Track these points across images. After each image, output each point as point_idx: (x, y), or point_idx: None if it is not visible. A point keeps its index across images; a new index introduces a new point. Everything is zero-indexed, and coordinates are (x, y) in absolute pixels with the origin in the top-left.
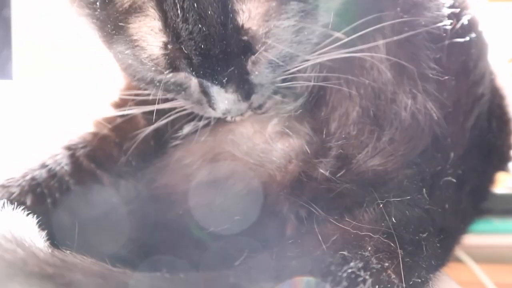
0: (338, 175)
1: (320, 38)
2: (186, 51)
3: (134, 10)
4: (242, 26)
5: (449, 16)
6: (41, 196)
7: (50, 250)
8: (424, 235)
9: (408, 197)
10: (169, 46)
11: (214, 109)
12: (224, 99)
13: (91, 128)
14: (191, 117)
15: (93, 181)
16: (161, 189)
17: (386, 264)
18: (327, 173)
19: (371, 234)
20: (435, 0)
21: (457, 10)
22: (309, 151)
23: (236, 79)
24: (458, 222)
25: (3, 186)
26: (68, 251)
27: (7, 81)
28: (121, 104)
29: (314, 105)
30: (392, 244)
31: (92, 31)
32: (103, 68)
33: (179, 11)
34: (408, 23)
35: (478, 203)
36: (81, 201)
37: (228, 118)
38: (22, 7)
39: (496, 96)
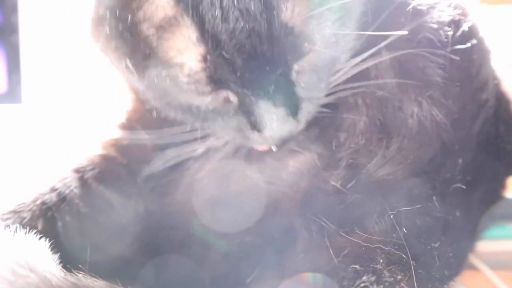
0: (348, 186)
1: (355, 42)
2: (227, 56)
3: (166, 24)
4: (286, 23)
5: (450, 24)
6: (52, 220)
7: (63, 274)
8: (436, 244)
9: (419, 206)
10: (209, 57)
11: (259, 130)
12: (271, 115)
13: (99, 150)
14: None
15: (103, 203)
16: (172, 205)
17: (399, 277)
18: (338, 185)
19: (382, 246)
20: (436, 8)
21: (457, 18)
22: (319, 165)
23: (284, 89)
24: (471, 229)
25: (15, 212)
26: (80, 274)
27: (16, 105)
28: (128, 125)
29: (323, 118)
30: (404, 256)
31: (120, 64)
32: (111, 91)
33: (217, 11)
34: (411, 31)
35: (490, 209)
36: (91, 223)
37: (272, 144)
38: (31, 32)
39: (502, 101)
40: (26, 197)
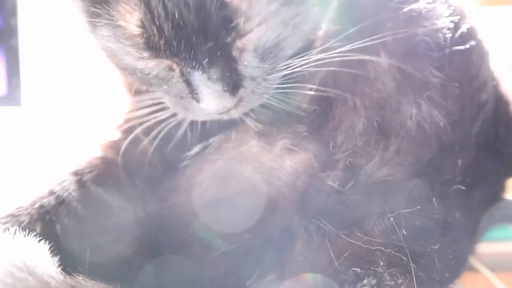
0: (347, 186)
1: (314, 30)
2: (158, 22)
3: None
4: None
5: (449, 26)
6: (51, 223)
7: (62, 277)
8: (436, 246)
9: (418, 207)
10: (145, 23)
11: (197, 100)
12: (207, 88)
13: (98, 153)
14: (199, 138)
15: (101, 205)
16: (171, 208)
17: (400, 281)
18: (335, 185)
19: (382, 248)
20: (434, 10)
21: (456, 19)
22: (316, 165)
23: (221, 64)
24: (471, 231)
25: (13, 215)
26: (80, 277)
27: (16, 107)
28: (126, 127)
29: (320, 118)
30: (404, 258)
31: (80, 18)
32: (109, 92)
33: None
34: (408, 32)
35: (490, 210)
36: (90, 226)
37: (210, 116)
38: (30, 35)
39: (501, 102)
40: (24, 201)
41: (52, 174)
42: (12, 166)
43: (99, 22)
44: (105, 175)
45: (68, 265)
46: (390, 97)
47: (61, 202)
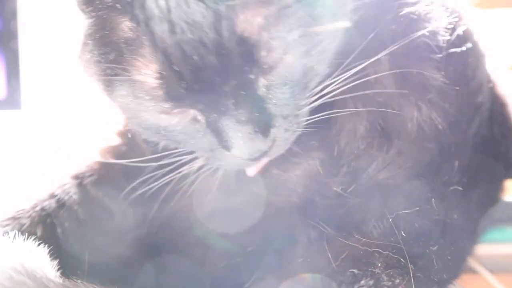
0: (349, 190)
1: (338, 49)
2: (177, 69)
3: (128, 44)
4: (242, 34)
5: (446, 28)
6: (51, 226)
7: (61, 280)
8: (435, 248)
9: (417, 209)
10: (163, 72)
11: (227, 149)
12: (237, 133)
13: (98, 157)
14: None
15: (102, 209)
16: (173, 215)
17: (397, 281)
18: (339, 190)
19: (380, 250)
20: (432, 12)
21: (453, 22)
22: (322, 172)
23: (248, 104)
24: (469, 232)
25: (14, 218)
26: (79, 281)
27: (16, 110)
28: (125, 132)
29: (323, 124)
30: (402, 259)
31: (96, 83)
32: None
33: (165, 25)
34: (408, 35)
35: (488, 211)
36: (90, 229)
37: (247, 163)
38: (30, 39)
39: (496, 104)
40: (25, 204)
41: (53, 177)
42: (12, 169)
43: (116, 82)
44: (105, 179)
45: (68, 268)
46: (391, 99)
47: (62, 205)
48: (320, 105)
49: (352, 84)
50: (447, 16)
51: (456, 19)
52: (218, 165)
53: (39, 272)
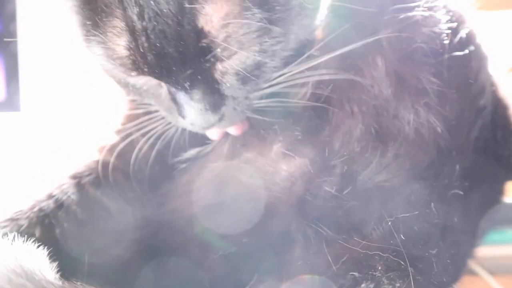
0: (345, 192)
1: (296, 52)
2: (142, 50)
3: (103, 10)
4: (202, 28)
5: (447, 31)
6: (50, 227)
7: (60, 282)
8: (434, 251)
9: (416, 212)
10: (131, 46)
11: (183, 117)
12: (190, 107)
13: (96, 156)
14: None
15: (100, 209)
16: (169, 214)
17: (398, 284)
18: (333, 191)
19: (380, 253)
20: (431, 17)
21: (454, 25)
22: (312, 171)
23: (202, 86)
24: (469, 235)
25: (12, 219)
26: (78, 282)
27: (15, 113)
28: (123, 131)
29: (316, 123)
30: (402, 262)
31: (77, 32)
32: (107, 97)
33: (135, 8)
34: (406, 39)
35: (489, 214)
36: (89, 229)
37: (196, 129)
38: (29, 41)
39: (498, 107)
40: (23, 205)
41: (52, 179)
42: (11, 170)
43: (92, 41)
44: (103, 178)
45: (67, 269)
46: (388, 103)
47: (60, 205)
48: (311, 100)
49: (310, 78)
50: (447, 20)
51: (458, 22)
52: (176, 124)
53: (38, 274)
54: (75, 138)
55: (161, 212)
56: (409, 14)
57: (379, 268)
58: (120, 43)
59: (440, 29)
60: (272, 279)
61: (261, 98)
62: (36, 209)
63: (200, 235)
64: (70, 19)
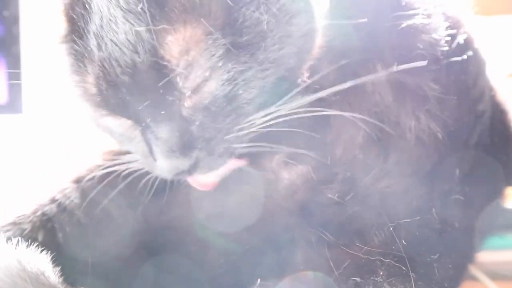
0: (346, 198)
1: (278, 83)
2: (100, 82)
3: (79, 52)
4: (162, 56)
5: (445, 38)
6: (53, 231)
7: (63, 287)
8: (435, 256)
9: (418, 218)
10: (97, 81)
11: (154, 159)
12: (156, 148)
13: (98, 161)
14: None
15: (103, 213)
16: (171, 221)
17: None
18: (335, 197)
19: (382, 258)
20: (431, 23)
21: (453, 31)
22: (315, 178)
23: (168, 123)
24: (470, 240)
25: (15, 223)
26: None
27: (17, 115)
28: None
29: (318, 131)
30: (404, 268)
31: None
32: None
33: (94, 40)
34: (405, 46)
35: (489, 219)
36: (91, 234)
37: (166, 175)
38: (32, 43)
39: (497, 111)
40: (26, 209)
41: (53, 181)
42: (13, 173)
43: (73, 82)
44: (105, 183)
45: (70, 274)
46: (389, 110)
47: (63, 209)
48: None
49: (304, 115)
50: (447, 27)
51: (456, 28)
52: (152, 171)
53: (42, 279)
54: (77, 140)
55: (162, 219)
56: (409, 22)
57: (381, 273)
58: (90, 81)
59: (439, 35)
60: (274, 282)
61: (247, 140)
62: (39, 213)
63: (202, 240)
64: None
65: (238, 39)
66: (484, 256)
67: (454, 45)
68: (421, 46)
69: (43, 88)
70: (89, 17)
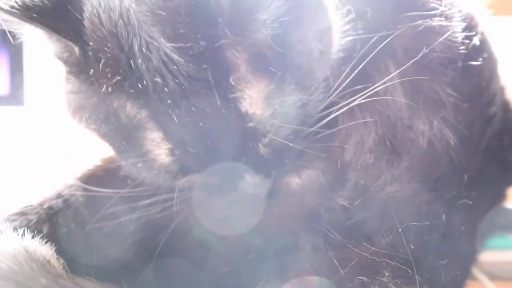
0: (356, 203)
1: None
2: (193, 150)
3: (136, 125)
4: (246, 112)
5: (462, 40)
6: (57, 225)
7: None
8: (444, 262)
9: (427, 223)
10: (176, 152)
11: (240, 194)
12: (247, 185)
13: (102, 161)
14: None
15: (107, 213)
16: (172, 220)
17: None
18: (345, 203)
19: (388, 260)
20: (447, 26)
21: (470, 33)
22: (325, 183)
23: (251, 166)
24: (475, 243)
25: (22, 213)
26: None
27: (19, 107)
28: None
29: (326, 133)
30: (410, 271)
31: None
32: None
33: (175, 119)
34: (421, 48)
35: (490, 219)
36: (95, 232)
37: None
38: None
39: (507, 111)
40: (32, 200)
41: (58, 175)
42: (15, 165)
43: (129, 158)
44: (110, 183)
45: (70, 268)
46: (401, 113)
47: (68, 205)
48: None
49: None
50: (463, 28)
51: (472, 28)
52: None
53: (48, 267)
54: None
55: (164, 217)
56: (426, 22)
57: (387, 274)
58: (162, 152)
59: (456, 37)
60: (280, 280)
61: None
62: (46, 206)
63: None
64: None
65: (301, 72)
66: (484, 255)
67: (470, 47)
68: (438, 48)
69: (45, 80)
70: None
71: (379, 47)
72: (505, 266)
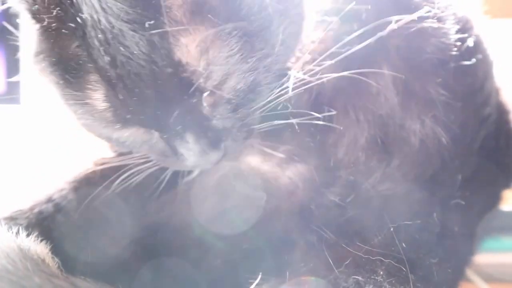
0: (348, 200)
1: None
2: (121, 97)
3: (74, 67)
4: (180, 61)
5: (455, 41)
6: (48, 229)
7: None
8: (435, 260)
9: (419, 221)
10: (109, 97)
11: (182, 160)
12: (189, 151)
13: (94, 164)
14: None
15: (99, 215)
16: (168, 219)
17: None
18: (337, 199)
19: (382, 258)
20: (442, 26)
21: (463, 35)
22: (317, 179)
23: (194, 127)
24: (468, 244)
25: (11, 218)
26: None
27: (15, 105)
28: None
29: (320, 131)
30: (403, 269)
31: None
32: None
33: (105, 57)
34: (414, 49)
35: (486, 221)
36: (86, 236)
37: (203, 169)
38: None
39: (502, 112)
40: (22, 204)
41: (51, 174)
42: (11, 165)
43: (70, 99)
44: (102, 188)
45: (66, 267)
46: (394, 113)
47: (59, 210)
48: (315, 106)
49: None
50: (457, 30)
51: (466, 31)
52: (173, 167)
53: (42, 266)
54: (75, 132)
55: (160, 217)
56: (419, 24)
57: (381, 273)
58: (98, 97)
59: (449, 39)
60: (274, 280)
61: (261, 120)
62: (36, 210)
63: (200, 238)
64: (46, 81)
65: (249, 28)
66: (479, 258)
67: (463, 48)
68: (430, 50)
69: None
70: (86, 33)
71: (375, 46)
72: (501, 269)
